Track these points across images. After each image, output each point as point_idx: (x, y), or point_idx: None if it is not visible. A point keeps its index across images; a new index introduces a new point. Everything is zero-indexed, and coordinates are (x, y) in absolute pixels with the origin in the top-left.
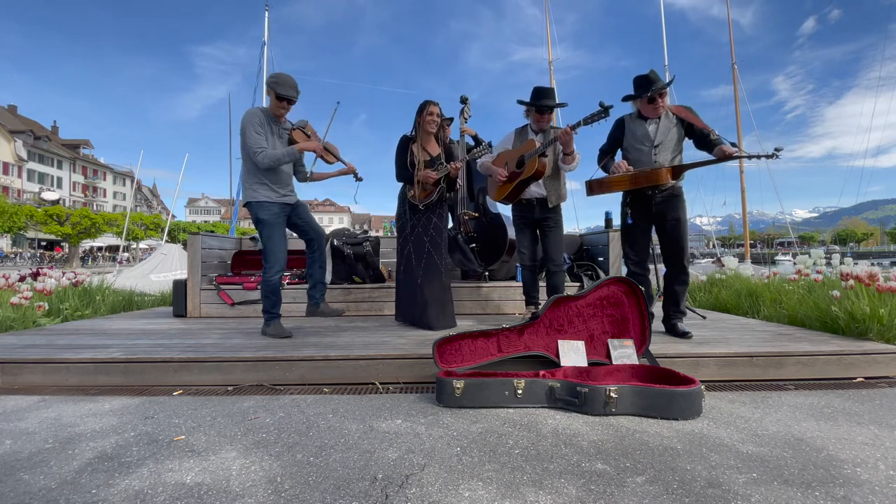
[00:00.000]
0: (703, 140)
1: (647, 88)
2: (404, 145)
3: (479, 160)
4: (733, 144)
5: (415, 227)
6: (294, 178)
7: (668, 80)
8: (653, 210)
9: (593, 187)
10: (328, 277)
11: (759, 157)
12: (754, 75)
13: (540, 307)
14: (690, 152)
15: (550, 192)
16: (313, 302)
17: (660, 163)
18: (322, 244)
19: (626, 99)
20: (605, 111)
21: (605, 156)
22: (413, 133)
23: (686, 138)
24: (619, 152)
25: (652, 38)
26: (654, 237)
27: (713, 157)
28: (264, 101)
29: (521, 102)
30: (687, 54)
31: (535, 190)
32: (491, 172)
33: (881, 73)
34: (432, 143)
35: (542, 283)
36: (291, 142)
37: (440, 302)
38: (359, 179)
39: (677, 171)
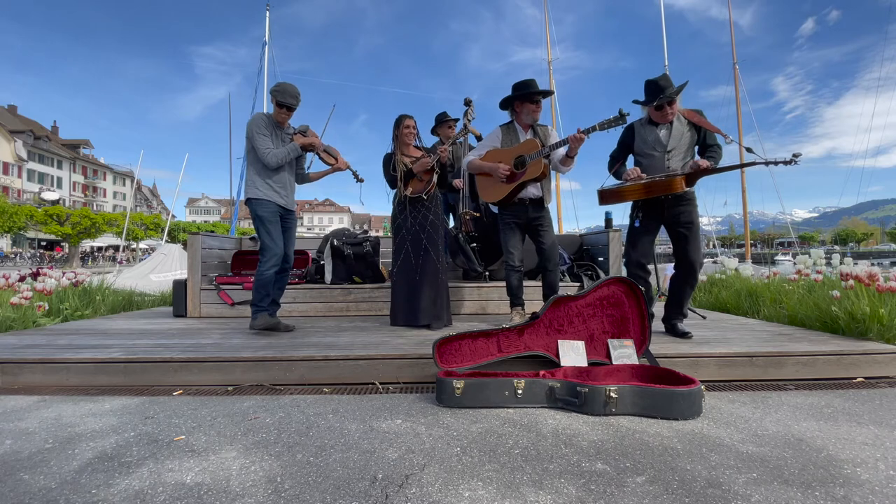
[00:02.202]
0: (705, 150)
1: (656, 96)
2: (388, 159)
3: (465, 159)
4: (748, 150)
5: (412, 225)
6: (294, 181)
7: (678, 86)
8: (664, 214)
9: (606, 196)
10: (328, 278)
11: (776, 163)
12: (753, 76)
13: (540, 307)
14: None
15: (545, 191)
16: (278, 319)
17: (672, 168)
18: (289, 271)
19: (635, 102)
20: (622, 118)
21: (616, 162)
22: (393, 147)
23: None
24: (630, 158)
25: (651, 39)
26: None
27: (729, 165)
28: (265, 102)
29: (508, 99)
30: (686, 55)
31: (532, 190)
32: (485, 170)
33: (881, 73)
34: (412, 150)
35: (537, 284)
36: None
37: (439, 300)
38: (360, 181)
39: (691, 178)
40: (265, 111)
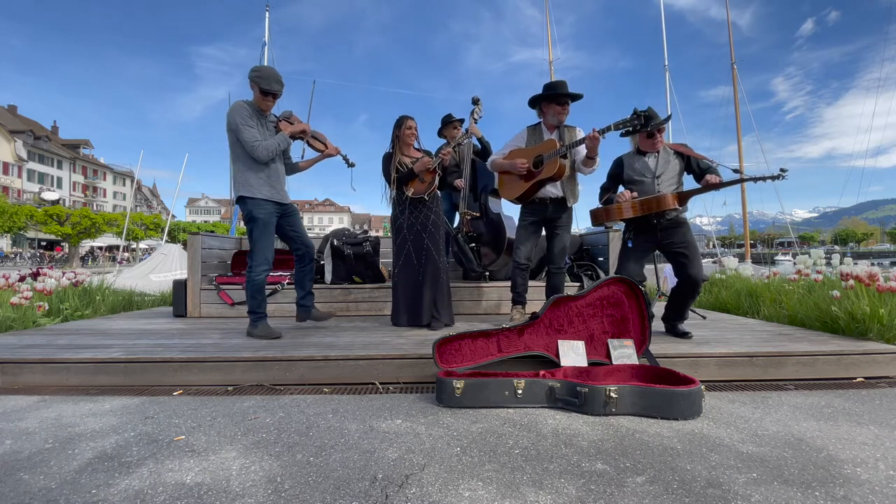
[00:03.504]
0: (703, 173)
1: (646, 125)
2: (388, 160)
3: (489, 159)
4: (735, 170)
5: (413, 226)
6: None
7: (665, 117)
8: (657, 237)
9: (599, 216)
10: (328, 278)
11: (764, 179)
12: (753, 76)
13: (540, 307)
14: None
15: (568, 192)
16: (304, 309)
17: (662, 192)
18: (313, 257)
19: (625, 135)
20: (637, 117)
21: (606, 193)
22: (392, 148)
23: (687, 173)
24: (619, 188)
25: (651, 40)
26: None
27: (719, 183)
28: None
29: (536, 98)
30: (686, 55)
31: (551, 190)
32: (506, 168)
33: (881, 73)
34: (412, 151)
35: (539, 284)
36: (279, 132)
37: (440, 300)
38: (351, 165)
39: (683, 197)
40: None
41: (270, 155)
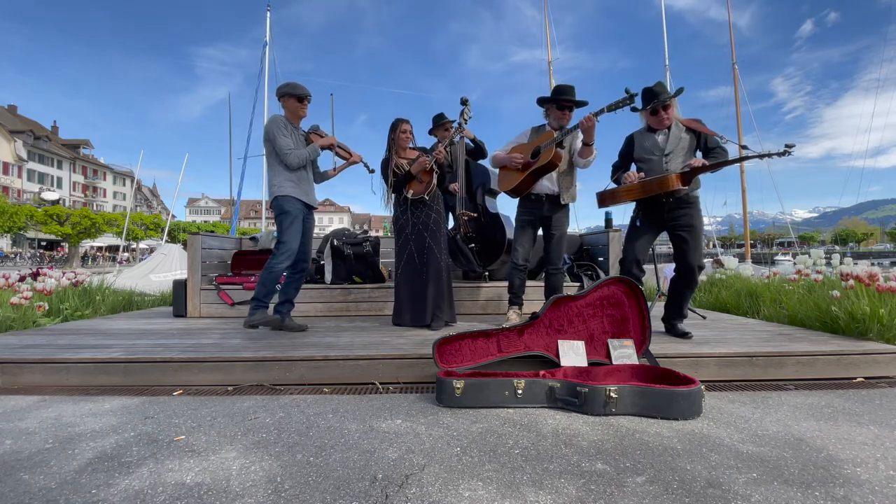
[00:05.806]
0: (709, 152)
1: (651, 101)
2: (386, 165)
3: (490, 153)
4: (743, 147)
5: (415, 226)
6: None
7: (673, 93)
8: (665, 216)
9: (605, 199)
10: (328, 278)
11: (770, 155)
12: (753, 76)
13: (540, 307)
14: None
15: (563, 189)
16: (279, 316)
17: (670, 171)
18: (307, 271)
19: (633, 110)
20: (630, 98)
21: (618, 171)
22: (388, 152)
23: (698, 150)
24: (632, 167)
25: (650, 40)
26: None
27: (723, 161)
28: (266, 103)
29: (541, 99)
30: (685, 56)
31: (547, 185)
32: (504, 162)
33: (880, 74)
34: (408, 153)
35: (538, 284)
36: (309, 143)
37: (442, 299)
38: (371, 171)
39: (687, 177)
40: (268, 112)
41: (301, 162)
